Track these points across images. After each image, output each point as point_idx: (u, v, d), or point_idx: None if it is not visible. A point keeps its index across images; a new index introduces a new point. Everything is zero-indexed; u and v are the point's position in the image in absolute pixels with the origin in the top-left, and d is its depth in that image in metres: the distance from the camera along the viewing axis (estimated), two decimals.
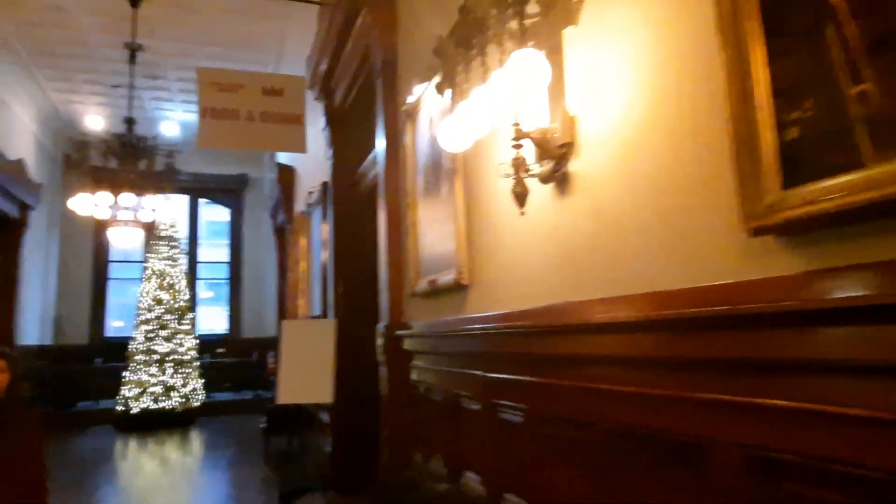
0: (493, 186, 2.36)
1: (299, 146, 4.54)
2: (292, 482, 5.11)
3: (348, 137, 5.41)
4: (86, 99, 10.37)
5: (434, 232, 3.00)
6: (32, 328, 10.41)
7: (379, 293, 3.91)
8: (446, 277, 2.76)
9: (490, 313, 2.36)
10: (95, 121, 10.66)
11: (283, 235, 10.01)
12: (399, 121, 3.63)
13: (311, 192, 6.61)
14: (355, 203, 5.45)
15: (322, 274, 5.95)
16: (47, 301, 11.22)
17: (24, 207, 9.65)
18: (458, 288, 2.69)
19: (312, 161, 7.46)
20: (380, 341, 3.63)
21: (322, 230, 6.08)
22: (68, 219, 11.66)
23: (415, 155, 3.35)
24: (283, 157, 9.88)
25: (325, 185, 5.94)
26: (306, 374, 4.94)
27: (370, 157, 4.96)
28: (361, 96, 4.77)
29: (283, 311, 9.76)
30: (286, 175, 9.13)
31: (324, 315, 5.81)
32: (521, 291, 2.17)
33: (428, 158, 3.12)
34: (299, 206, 8.19)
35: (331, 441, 5.18)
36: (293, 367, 5.05)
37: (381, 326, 3.67)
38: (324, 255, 5.98)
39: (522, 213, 1.91)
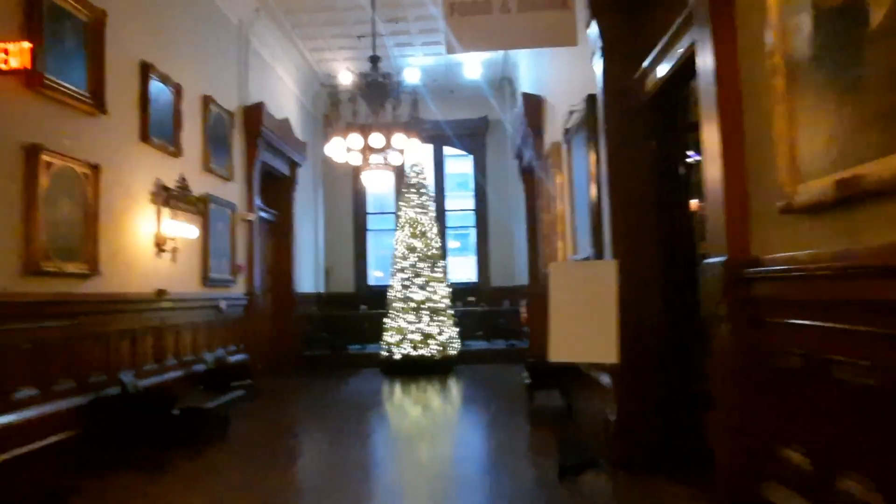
0: None
1: (568, 37, 3.54)
2: (571, 453, 4.32)
3: (624, 28, 4.24)
4: (336, 55, 10.65)
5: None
6: (308, 277, 11.31)
7: (704, 215, 2.77)
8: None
9: None
10: (346, 76, 10.91)
11: (530, 176, 9.21)
12: None
13: (571, 113, 5.59)
14: (633, 115, 4.30)
15: (591, 209, 4.95)
16: (318, 252, 12.14)
17: (293, 165, 10.32)
18: None
19: (565, 82, 6.41)
20: (712, 285, 2.52)
21: (587, 158, 5.06)
22: (330, 175, 12.39)
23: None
24: (529, 86, 8.99)
25: (590, 99, 4.86)
26: (582, 327, 4.04)
27: (656, 51, 3.76)
28: None
29: (536, 257, 9.04)
30: (533, 106, 8.22)
31: (597, 257, 4.83)
32: None
33: None
34: (551, 137, 7.25)
35: (615, 408, 4.24)
36: (565, 317, 4.18)
37: (713, 263, 2.54)
38: (592, 187, 4.96)
39: None
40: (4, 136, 4.04)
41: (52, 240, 4.39)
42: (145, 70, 5.78)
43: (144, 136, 5.74)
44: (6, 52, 3.92)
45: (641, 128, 4.32)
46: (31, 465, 4.05)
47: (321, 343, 10.73)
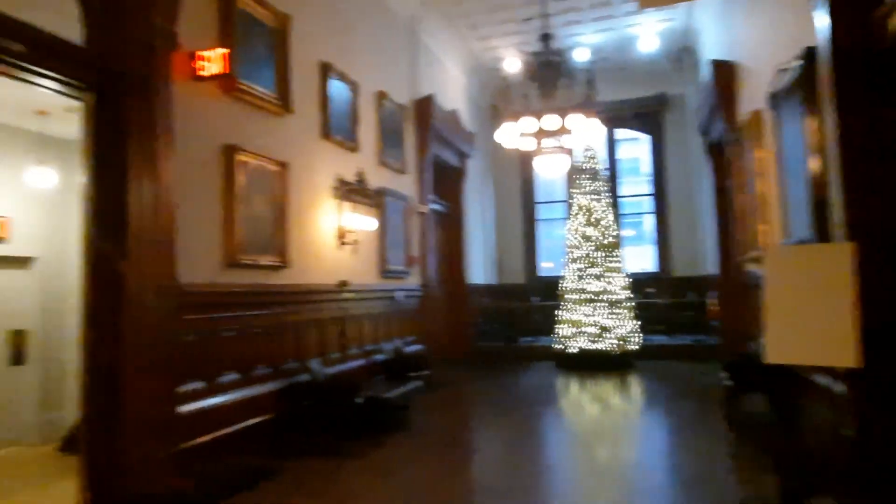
0: None
1: None
2: (793, 473, 3.65)
3: None
4: (502, 41, 10.43)
5: None
6: (478, 269, 11.29)
7: None
8: None
9: None
10: (513, 63, 10.65)
11: (719, 154, 8.22)
12: None
13: (780, 73, 4.77)
14: (870, 68, 3.47)
15: (811, 185, 4.15)
16: (488, 243, 12.07)
17: (463, 156, 10.32)
18: None
19: (769, 38, 5.52)
20: None
21: (804, 126, 4.25)
22: (499, 166, 12.26)
23: None
24: (716, 52, 8.02)
25: (807, 54, 4.06)
26: (808, 323, 3.35)
27: None
28: None
29: (728, 244, 8.06)
30: (723, 73, 7.29)
31: (821, 241, 4.04)
32: None
33: None
34: (748, 106, 6.34)
35: (852, 422, 3.48)
36: (786, 312, 3.48)
37: None
38: (811, 160, 4.16)
39: None
40: (206, 138, 4.36)
41: (247, 234, 4.68)
42: (325, 70, 6.00)
43: (326, 133, 5.97)
44: (205, 59, 4.20)
45: (882, 83, 3.48)
46: (233, 445, 4.34)
47: (493, 335, 10.64)
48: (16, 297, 5.99)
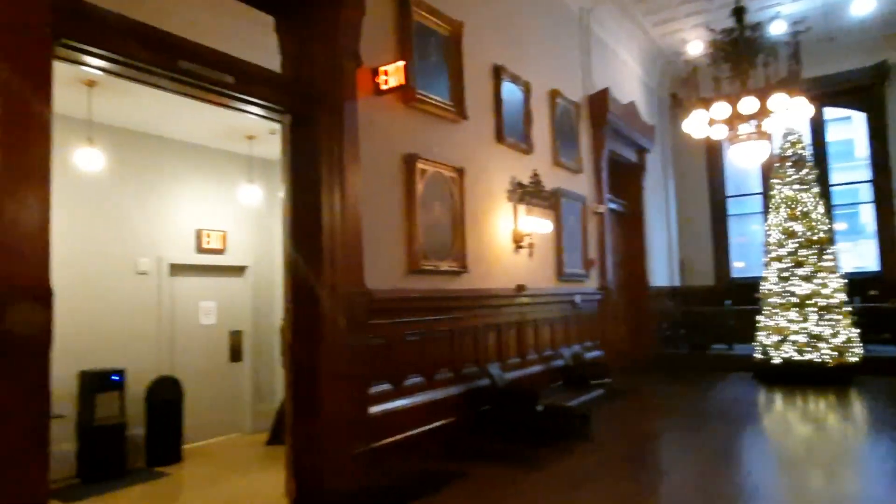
0: None
1: None
2: None
3: None
4: (684, 24, 9.65)
5: None
6: (661, 270, 10.56)
7: None
8: None
9: None
10: (695, 46, 9.82)
11: None
12: None
13: None
14: None
15: None
16: (671, 243, 11.25)
17: (641, 151, 9.72)
18: None
19: None
20: None
21: None
22: (681, 159, 11.39)
23: None
24: None
25: None
26: None
27: None
28: None
29: None
30: None
31: None
32: None
33: None
34: None
35: None
36: None
37: None
38: None
39: None
40: (388, 149, 4.53)
41: (428, 240, 4.78)
42: (497, 73, 5.98)
43: (499, 137, 5.94)
44: (386, 73, 4.36)
45: None
46: (417, 448, 4.44)
47: (679, 342, 9.87)
48: (234, 301, 6.78)
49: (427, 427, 4.61)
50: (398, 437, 4.31)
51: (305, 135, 4.01)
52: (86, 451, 5.09)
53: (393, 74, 4.36)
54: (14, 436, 2.36)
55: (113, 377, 5.25)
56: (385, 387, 4.33)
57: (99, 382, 5.17)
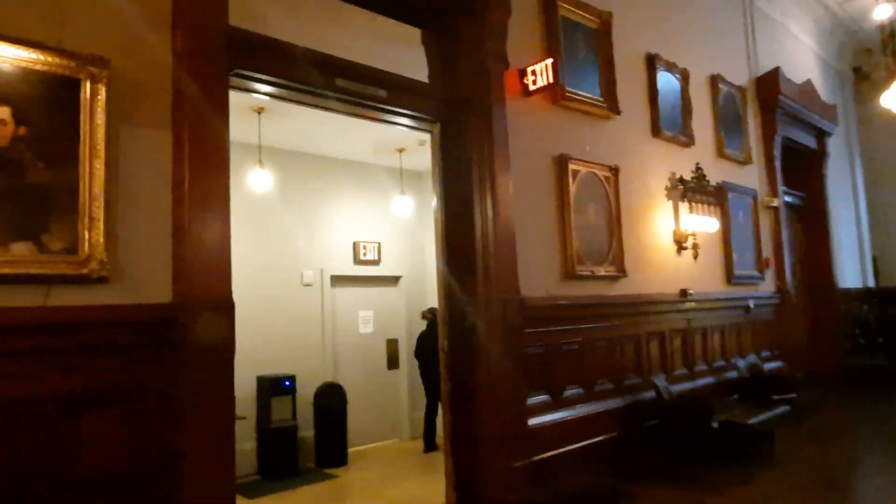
0: None
1: None
2: None
3: None
4: None
5: None
6: (850, 269, 9.27)
7: None
8: None
9: None
10: (883, 10, 8.54)
11: None
12: None
13: None
14: None
15: None
16: (861, 237, 9.84)
17: (821, 134, 8.61)
18: None
19: None
20: None
21: None
22: (871, 141, 9.97)
23: None
24: None
25: None
26: None
27: None
28: None
29: None
30: None
31: None
32: None
33: None
34: None
35: None
36: None
37: None
38: None
39: None
40: (537, 152, 4.38)
41: (582, 244, 4.55)
42: (651, 62, 5.59)
43: (655, 130, 5.54)
44: (534, 73, 4.23)
45: None
46: (578, 463, 4.21)
47: (874, 351, 8.57)
48: (389, 310, 7.01)
49: (588, 441, 4.36)
50: (558, 450, 4.11)
51: (455, 142, 4.00)
52: (264, 451, 5.49)
53: (541, 74, 4.21)
54: (205, 435, 2.55)
55: (286, 383, 5.63)
56: (543, 398, 4.16)
57: (273, 387, 5.56)
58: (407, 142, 5.99)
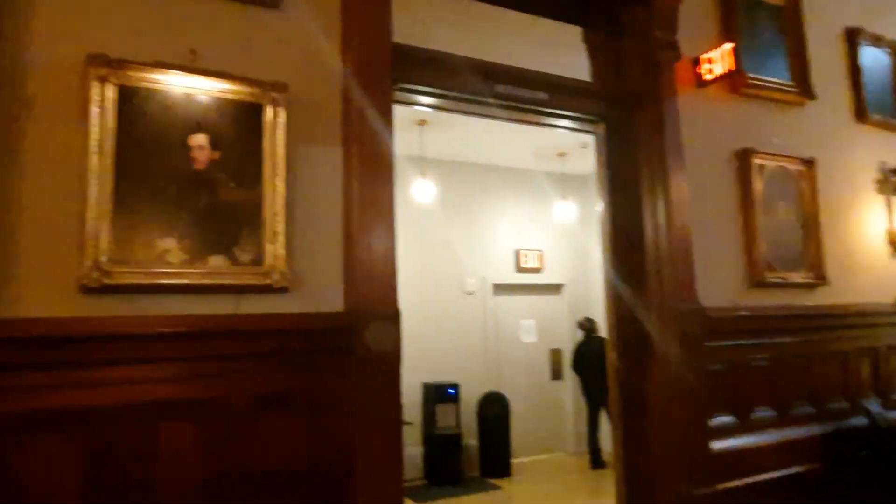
0: None
1: None
2: None
3: None
4: None
5: None
6: None
7: None
8: None
9: None
10: None
11: None
12: None
13: None
14: None
15: None
16: None
17: None
18: None
19: None
20: None
21: None
22: None
23: None
24: None
25: None
26: None
27: None
28: None
29: None
30: None
31: None
32: None
33: None
34: None
35: None
36: None
37: None
38: None
39: None
40: (715, 147, 3.98)
41: (771, 248, 4.04)
42: (852, 37, 4.85)
43: (860, 115, 4.78)
44: (710, 61, 3.86)
45: None
46: (769, 497, 3.72)
47: None
48: (552, 319, 6.85)
49: (783, 472, 3.84)
50: (746, 480, 3.66)
51: (621, 142, 3.77)
52: (430, 456, 5.62)
53: (718, 61, 3.82)
54: (376, 439, 2.62)
55: (449, 390, 5.72)
56: (727, 419, 3.74)
57: (438, 394, 5.68)
58: (568, 145, 5.82)
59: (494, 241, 6.45)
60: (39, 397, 2.07)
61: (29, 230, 2.13)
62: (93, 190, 2.18)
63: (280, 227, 2.50)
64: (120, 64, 2.27)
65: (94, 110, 2.22)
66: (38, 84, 2.21)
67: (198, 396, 2.31)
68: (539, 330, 6.63)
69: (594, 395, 5.95)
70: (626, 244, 3.71)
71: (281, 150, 2.55)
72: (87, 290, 2.16)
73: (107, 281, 2.17)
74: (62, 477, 2.09)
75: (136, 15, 2.42)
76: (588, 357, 5.74)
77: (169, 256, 2.30)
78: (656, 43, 3.71)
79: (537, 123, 3.75)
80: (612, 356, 3.74)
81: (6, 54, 2.17)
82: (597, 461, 5.91)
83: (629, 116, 3.74)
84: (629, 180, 3.71)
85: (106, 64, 2.25)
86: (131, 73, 2.30)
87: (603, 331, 5.08)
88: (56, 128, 2.21)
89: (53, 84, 2.23)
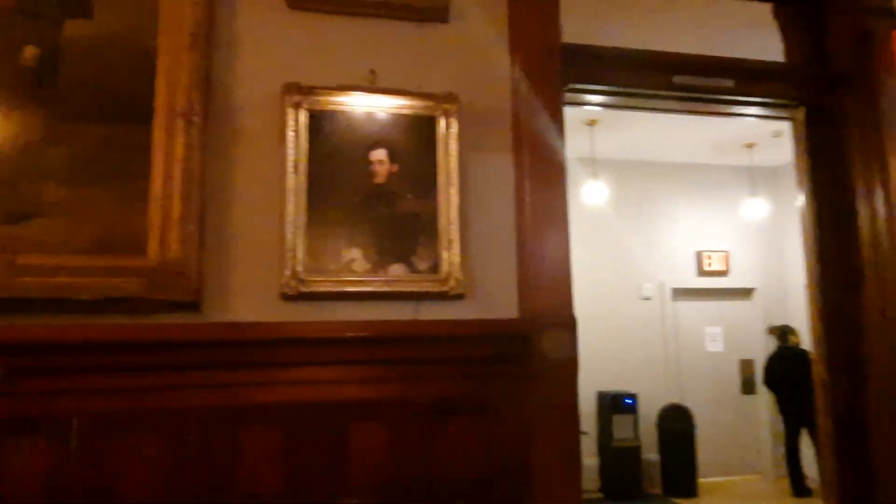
0: None
1: None
2: None
3: None
4: None
5: None
6: None
7: None
8: None
9: None
10: None
11: None
12: None
13: None
14: None
15: None
16: None
17: None
18: None
19: None
20: None
21: None
22: None
23: None
24: None
25: None
26: None
27: None
28: None
29: None
30: None
31: None
32: None
33: None
34: None
35: None
36: None
37: None
38: None
39: None
40: None
41: None
42: None
43: None
44: None
45: None
46: None
47: None
48: (742, 326, 6.25)
49: None
50: None
51: (825, 127, 3.32)
52: (605, 469, 5.39)
53: None
54: (552, 448, 2.56)
55: (626, 400, 5.45)
56: None
57: (614, 404, 5.44)
58: (756, 135, 5.27)
59: (672, 243, 6.03)
60: (250, 393, 2.32)
61: (241, 246, 2.41)
62: (290, 207, 2.40)
63: (455, 235, 2.56)
64: (310, 90, 2.49)
65: (290, 134, 2.45)
66: (245, 117, 2.50)
67: (383, 398, 2.44)
68: (727, 338, 6.06)
69: (792, 414, 5.30)
70: (834, 243, 3.25)
71: (454, 160, 2.61)
72: (287, 298, 2.38)
73: (303, 289, 2.38)
74: (270, 464, 2.32)
75: (321, 43, 2.63)
76: (781, 372, 5.12)
77: (354, 266, 2.46)
78: (866, 10, 3.22)
79: (722, 114, 3.45)
80: (818, 370, 3.30)
81: (220, 95, 2.48)
82: (800, 488, 5.25)
83: (835, 98, 3.29)
84: (837, 170, 3.26)
85: (298, 91, 2.47)
86: (319, 98, 2.51)
87: (805, 341, 4.52)
88: (261, 154, 2.48)
89: (257, 114, 2.50)
